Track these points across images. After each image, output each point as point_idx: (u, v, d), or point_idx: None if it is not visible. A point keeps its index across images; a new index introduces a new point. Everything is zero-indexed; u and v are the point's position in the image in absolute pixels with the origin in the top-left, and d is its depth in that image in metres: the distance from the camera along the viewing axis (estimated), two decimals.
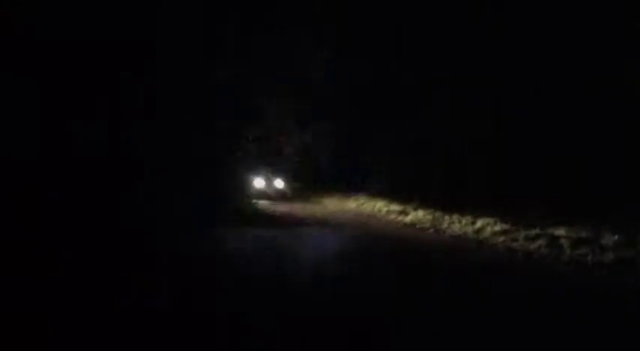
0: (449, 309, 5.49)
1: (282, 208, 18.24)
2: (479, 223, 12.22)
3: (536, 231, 10.43)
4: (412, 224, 14.37)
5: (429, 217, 14.55)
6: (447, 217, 13.84)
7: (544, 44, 13.56)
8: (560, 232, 10.08)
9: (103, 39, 9.81)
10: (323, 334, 4.43)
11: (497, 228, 11.46)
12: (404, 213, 15.82)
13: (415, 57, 17.91)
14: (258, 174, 22.12)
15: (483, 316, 5.26)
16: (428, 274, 7.71)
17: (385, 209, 17.21)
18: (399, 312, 5.36)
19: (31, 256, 6.39)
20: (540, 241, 9.77)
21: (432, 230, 13.30)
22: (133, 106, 11.03)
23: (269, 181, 22.76)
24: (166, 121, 11.95)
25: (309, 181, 25.57)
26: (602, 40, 12.47)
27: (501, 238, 10.79)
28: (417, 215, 15.12)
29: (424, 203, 15.87)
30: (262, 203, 18.98)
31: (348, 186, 22.94)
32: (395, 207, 16.90)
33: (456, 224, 13.04)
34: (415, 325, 4.88)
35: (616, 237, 8.81)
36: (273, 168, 22.85)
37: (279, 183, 23.29)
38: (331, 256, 8.79)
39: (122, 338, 4.09)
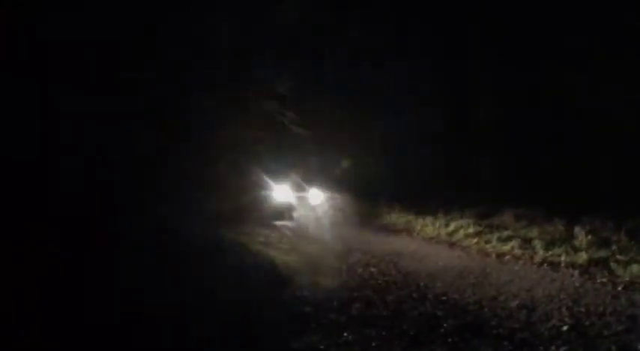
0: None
1: None
2: (452, 226, 11.92)
3: (509, 232, 10.15)
4: (384, 227, 14.03)
5: (403, 219, 14.22)
6: (420, 220, 13.51)
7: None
8: (534, 233, 9.81)
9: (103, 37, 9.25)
10: None
11: (471, 230, 11.17)
12: (376, 216, 15.47)
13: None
14: (282, 181, 15.36)
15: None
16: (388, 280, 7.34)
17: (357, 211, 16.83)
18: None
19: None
20: (513, 243, 9.44)
21: (404, 233, 12.97)
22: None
23: (300, 192, 16.42)
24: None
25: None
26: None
27: (474, 240, 10.47)
28: (390, 218, 14.78)
29: (397, 205, 15.54)
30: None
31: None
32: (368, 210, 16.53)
33: (429, 227, 12.72)
34: None
35: (589, 237, 8.53)
36: (306, 174, 16.29)
37: (314, 194, 16.70)
38: None
39: None
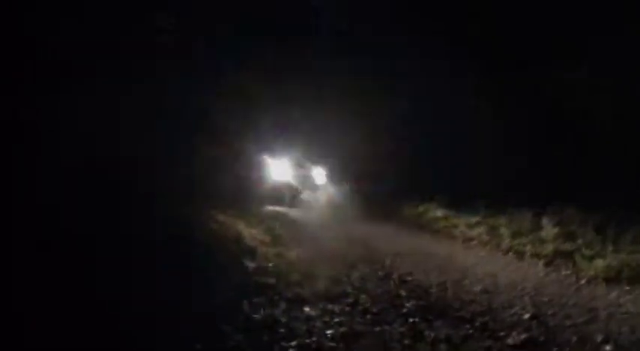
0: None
1: None
2: (420, 208, 11.95)
3: (477, 219, 10.17)
4: (361, 209, 13.99)
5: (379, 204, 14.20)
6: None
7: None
8: (501, 221, 9.83)
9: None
10: None
11: (439, 213, 11.22)
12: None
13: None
14: (280, 157, 14.43)
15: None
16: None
17: None
18: None
19: None
20: (481, 229, 9.48)
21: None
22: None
23: (301, 171, 15.08)
24: None
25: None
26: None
27: (442, 224, 10.53)
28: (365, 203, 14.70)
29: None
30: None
31: None
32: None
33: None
34: None
35: (556, 230, 8.58)
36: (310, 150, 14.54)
37: (318, 174, 15.32)
38: None
39: None
